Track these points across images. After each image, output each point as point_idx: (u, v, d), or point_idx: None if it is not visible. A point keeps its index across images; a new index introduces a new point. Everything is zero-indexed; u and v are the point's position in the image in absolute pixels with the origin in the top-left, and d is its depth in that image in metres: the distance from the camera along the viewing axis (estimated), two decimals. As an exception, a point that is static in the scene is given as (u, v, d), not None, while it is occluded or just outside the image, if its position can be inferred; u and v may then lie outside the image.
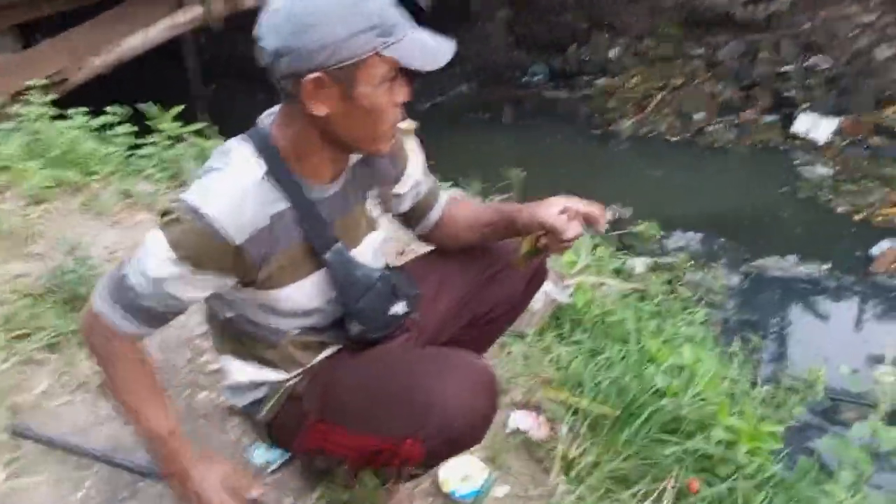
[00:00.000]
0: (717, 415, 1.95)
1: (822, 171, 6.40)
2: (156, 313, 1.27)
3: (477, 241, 1.66)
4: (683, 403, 1.90)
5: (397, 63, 1.18)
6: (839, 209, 5.84)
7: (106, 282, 1.29)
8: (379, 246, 1.53)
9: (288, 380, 1.46)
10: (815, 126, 6.90)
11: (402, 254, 2.59)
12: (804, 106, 7.19)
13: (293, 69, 1.16)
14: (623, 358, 2.24)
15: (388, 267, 1.59)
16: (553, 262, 2.49)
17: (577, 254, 2.58)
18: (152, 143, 3.11)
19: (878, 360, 4.23)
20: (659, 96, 7.79)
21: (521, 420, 2.04)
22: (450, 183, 3.82)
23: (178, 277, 1.22)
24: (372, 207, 1.47)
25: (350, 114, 1.21)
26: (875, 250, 5.24)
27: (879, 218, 5.66)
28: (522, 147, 7.17)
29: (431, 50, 1.21)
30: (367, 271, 1.41)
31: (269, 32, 1.18)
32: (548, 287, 2.31)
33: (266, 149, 1.26)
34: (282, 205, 1.26)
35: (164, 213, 1.23)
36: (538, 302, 2.28)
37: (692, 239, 5.59)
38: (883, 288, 4.91)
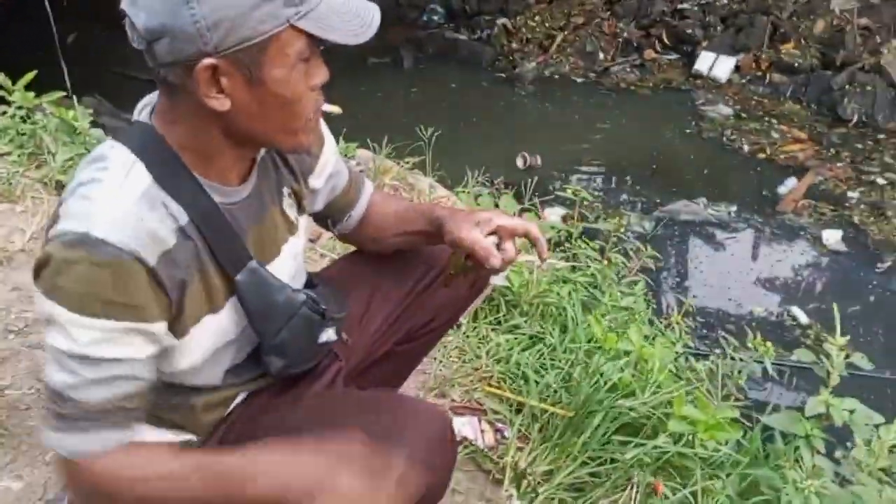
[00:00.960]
0: (673, 406, 1.79)
1: (724, 110, 6.41)
2: (118, 405, 0.97)
3: (406, 246, 1.44)
4: (640, 400, 1.73)
5: (314, 37, 0.96)
6: (743, 148, 5.87)
7: (46, 414, 0.99)
8: (300, 254, 1.27)
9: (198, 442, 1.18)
10: (716, 64, 6.90)
11: (315, 240, 2.29)
12: (704, 45, 7.16)
13: (177, 55, 0.91)
14: (566, 344, 2.05)
15: (311, 281, 1.33)
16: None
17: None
18: (2, 114, 2.63)
19: (791, 301, 4.31)
20: (561, 36, 7.59)
21: (463, 427, 1.83)
22: (356, 143, 3.51)
23: (101, 339, 0.94)
24: (288, 207, 1.20)
25: (260, 105, 0.97)
26: (781, 188, 5.29)
27: (783, 156, 5.72)
28: (426, 94, 6.85)
29: (354, 16, 0.97)
30: (288, 294, 1.14)
31: (140, 4, 0.89)
32: (480, 270, 2.08)
33: (151, 149, 0.98)
34: (184, 217, 0.99)
35: (40, 267, 0.92)
36: (471, 288, 2.06)
37: (603, 185, 5.51)
38: (791, 227, 4.96)
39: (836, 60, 6.57)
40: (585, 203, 2.88)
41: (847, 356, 2.05)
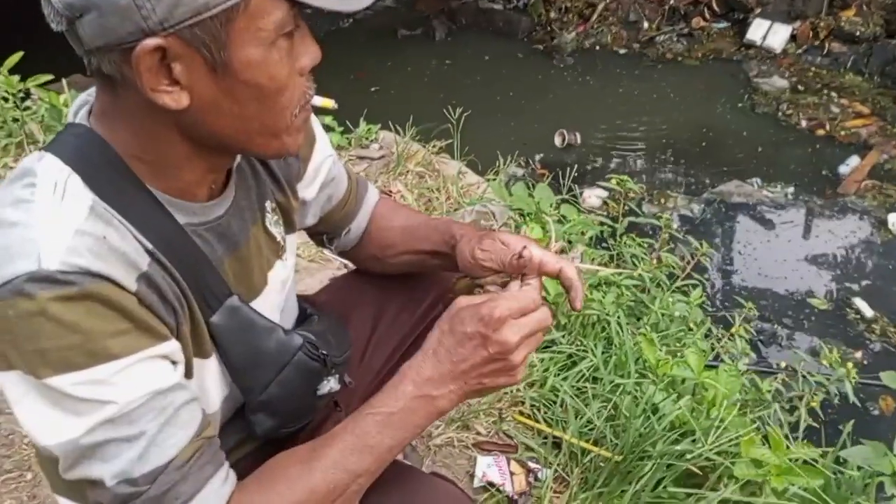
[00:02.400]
0: (742, 447, 1.50)
1: (779, 82, 5.96)
2: (200, 442, 0.77)
3: (415, 268, 1.19)
4: (701, 446, 1.44)
5: (296, 1, 0.73)
6: (801, 124, 5.44)
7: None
8: (290, 281, 1.02)
9: None
10: (770, 33, 6.42)
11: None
12: (757, 11, 6.67)
13: (108, 36, 0.68)
14: (611, 366, 1.76)
15: (304, 312, 1.08)
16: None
17: (545, 228, 2.06)
18: (-9, 100, 2.40)
19: (855, 292, 3.95)
20: (602, 4, 7.15)
21: (488, 469, 1.56)
22: (378, 125, 3.23)
23: (127, 380, 0.72)
24: (272, 224, 0.97)
25: (229, 99, 0.74)
26: (842, 168, 4.88)
27: (844, 132, 5.28)
28: (459, 68, 6.52)
29: None
30: (280, 338, 0.91)
31: None
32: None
33: (90, 158, 0.75)
34: (144, 240, 0.76)
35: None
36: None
37: (648, 165, 5.15)
38: (853, 210, 4.57)
39: (901, 27, 6.06)
40: (632, 189, 2.57)
41: (943, 379, 1.74)
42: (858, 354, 3.46)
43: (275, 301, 0.98)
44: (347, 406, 1.17)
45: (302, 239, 1.22)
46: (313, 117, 1.02)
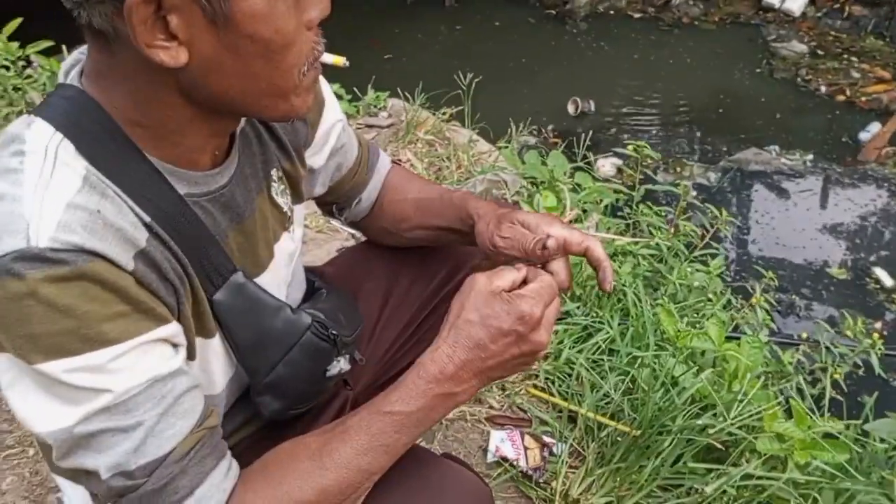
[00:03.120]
0: (765, 421, 1.44)
1: (798, 47, 5.81)
2: (203, 432, 0.73)
3: (429, 242, 1.13)
4: (723, 420, 1.38)
5: None
6: (820, 90, 5.30)
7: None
8: (297, 255, 0.99)
9: None
10: (789, -6, 6.25)
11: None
12: (776, -28, 6.49)
13: None
14: (628, 338, 1.71)
15: (312, 286, 1.03)
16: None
17: (559, 196, 1.99)
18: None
19: (875, 261, 3.86)
20: (616, -33, 6.98)
21: (502, 444, 1.51)
22: (387, 92, 3.15)
23: (124, 367, 0.67)
24: (278, 194, 0.92)
25: (232, 56, 0.68)
26: (863, 135, 4.76)
27: (864, 98, 5.14)
28: (469, 35, 6.39)
29: None
30: (287, 317, 0.87)
31: None
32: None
33: (82, 122, 0.70)
34: (142, 212, 0.71)
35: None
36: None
37: (664, 133, 5.05)
38: (874, 178, 4.46)
39: (925, -11, 5.87)
40: (650, 157, 2.49)
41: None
42: (878, 325, 3.39)
43: (281, 275, 0.93)
44: (356, 383, 1.12)
45: (310, 209, 1.17)
46: (322, 79, 0.95)
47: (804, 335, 2.17)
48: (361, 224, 1.16)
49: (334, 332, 0.92)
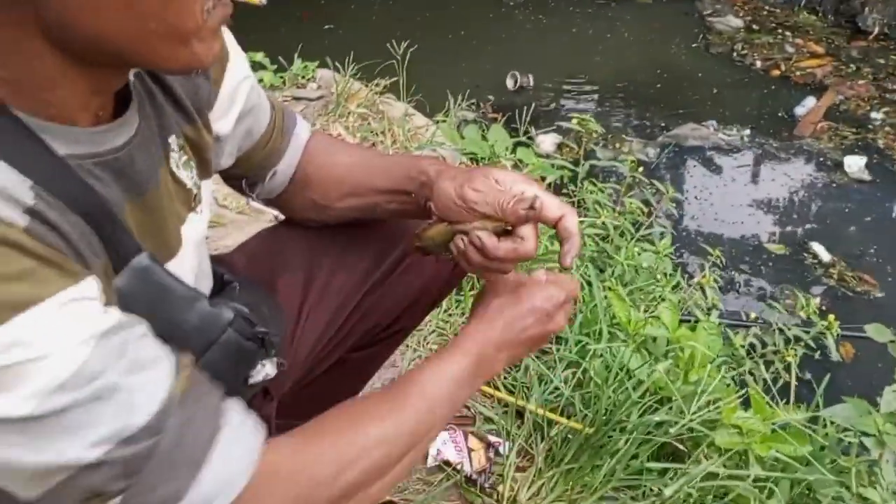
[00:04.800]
0: (723, 414, 1.35)
1: (734, 21, 5.81)
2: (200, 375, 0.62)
3: (363, 215, 0.99)
4: (681, 414, 1.28)
5: None
6: (756, 64, 5.31)
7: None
8: (203, 241, 0.83)
9: None
10: (724, -31, 6.24)
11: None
12: (710, -54, 6.48)
13: None
14: (575, 322, 1.59)
15: (222, 279, 0.87)
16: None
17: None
18: None
19: (812, 236, 3.88)
20: (552, -61, 6.86)
21: (443, 446, 1.38)
22: (316, 63, 2.95)
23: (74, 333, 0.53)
24: (179, 165, 0.76)
25: None
26: (798, 110, 4.78)
27: (799, 73, 5.17)
28: (404, 6, 6.18)
29: None
30: (204, 311, 0.72)
31: None
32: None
33: None
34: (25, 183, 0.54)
35: None
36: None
37: (602, 108, 4.98)
38: (810, 153, 4.48)
39: (856, -36, 5.94)
40: (594, 131, 2.38)
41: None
42: (817, 300, 3.40)
43: (190, 264, 0.77)
44: (278, 392, 0.96)
45: (226, 186, 1.00)
46: (224, 29, 0.78)
47: (752, 315, 2.10)
48: (278, 201, 0.99)
49: (262, 329, 0.77)
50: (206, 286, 0.85)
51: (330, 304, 1.00)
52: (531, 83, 4.97)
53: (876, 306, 3.43)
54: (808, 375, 2.62)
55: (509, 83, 4.96)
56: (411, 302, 1.05)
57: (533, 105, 4.27)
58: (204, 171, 0.80)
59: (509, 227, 0.80)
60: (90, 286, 0.55)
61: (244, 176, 0.94)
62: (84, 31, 0.54)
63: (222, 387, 0.63)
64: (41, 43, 0.54)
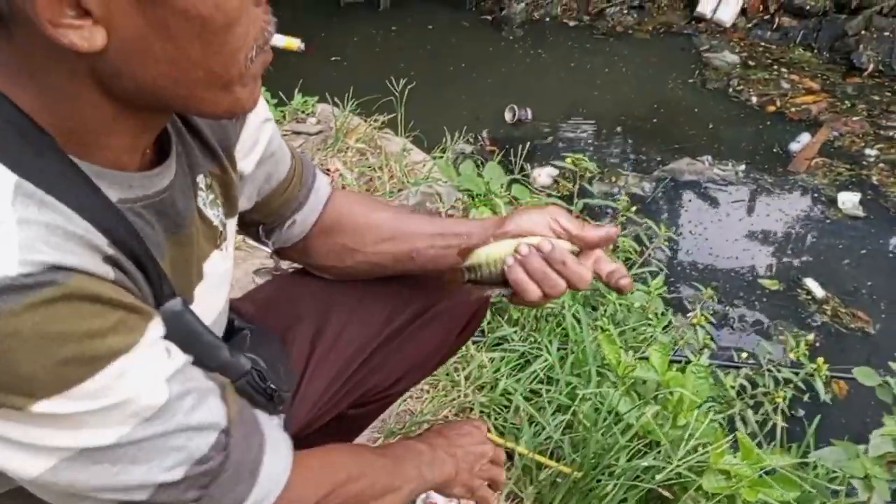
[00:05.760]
0: (711, 458, 1.36)
1: (730, 57, 5.88)
2: (242, 401, 0.71)
3: (396, 259, 0.98)
4: (668, 459, 1.29)
5: None
6: (751, 100, 5.37)
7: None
8: (228, 281, 0.85)
9: None
10: (720, 6, 6.33)
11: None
12: (707, -17, 6.58)
13: None
14: (567, 365, 1.61)
15: (232, 325, 0.90)
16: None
17: (495, 211, 1.88)
18: None
19: (806, 272, 3.89)
20: (551, -27, 6.97)
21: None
22: (315, 97, 2.99)
23: (142, 380, 0.59)
24: (207, 203, 0.78)
25: (160, 36, 0.56)
26: (793, 145, 4.83)
27: (794, 108, 5.23)
28: (405, 39, 6.26)
29: None
30: (224, 359, 0.73)
31: None
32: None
33: (7, 129, 0.56)
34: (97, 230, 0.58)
35: None
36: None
37: (599, 142, 5.02)
38: (804, 188, 4.52)
39: (850, 3, 6.02)
40: (588, 169, 2.41)
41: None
42: (811, 336, 3.40)
43: (213, 301, 0.79)
44: None
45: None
46: None
47: (744, 355, 2.12)
48: (298, 248, 0.99)
49: (273, 385, 0.78)
50: (221, 326, 0.86)
51: (336, 359, 1.01)
52: (529, 116, 5.02)
53: (870, 343, 3.43)
54: (801, 413, 2.64)
55: (508, 116, 5.01)
56: (413, 366, 1.07)
57: (531, 139, 4.32)
58: (230, 208, 0.82)
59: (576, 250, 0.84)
60: (158, 325, 0.61)
61: (262, 222, 0.95)
62: (135, 80, 0.57)
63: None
64: (93, 92, 0.57)
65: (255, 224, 0.95)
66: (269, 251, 1.01)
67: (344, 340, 1.01)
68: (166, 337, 0.65)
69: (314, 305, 1.02)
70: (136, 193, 0.64)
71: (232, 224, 0.84)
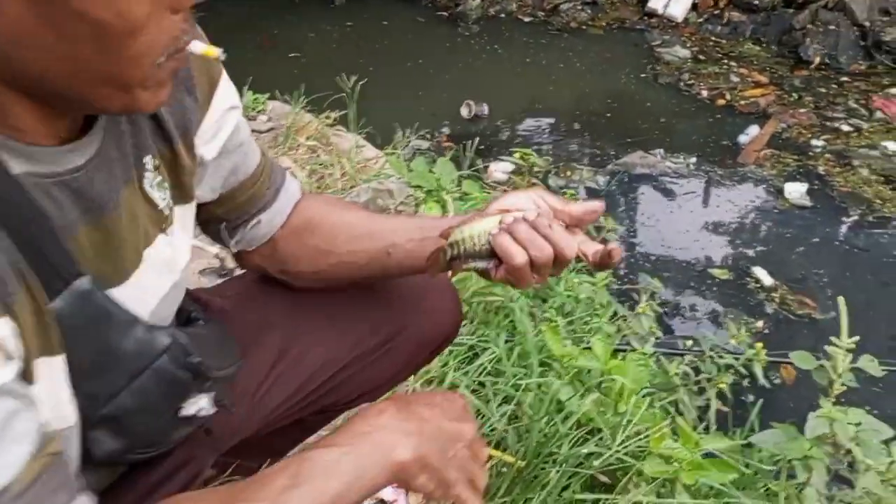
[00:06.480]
0: (651, 443, 1.40)
1: (681, 52, 5.99)
2: (46, 459, 0.58)
3: (371, 258, 0.94)
4: (608, 446, 1.33)
5: None
6: (702, 94, 5.48)
7: None
8: (179, 266, 0.81)
9: None
10: (671, 1, 6.44)
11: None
12: (658, -21, 6.68)
13: None
14: (514, 358, 1.64)
15: (189, 313, 0.87)
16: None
17: (444, 207, 1.91)
18: None
19: (754, 261, 3.99)
20: (506, -31, 7.01)
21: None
22: (266, 95, 2.98)
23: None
24: (153, 185, 0.75)
25: (51, 33, 0.54)
26: (742, 138, 4.94)
27: (743, 101, 5.35)
28: (359, 34, 6.25)
29: None
30: (140, 336, 0.71)
31: None
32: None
33: None
34: None
35: None
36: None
37: (555, 137, 5.08)
38: (753, 180, 4.63)
39: (797, -3, 6.18)
40: (536, 164, 2.44)
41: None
42: (759, 324, 3.49)
43: (153, 286, 0.77)
44: (225, 435, 0.94)
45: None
46: (224, 76, 0.81)
47: (689, 342, 2.17)
48: (263, 251, 0.96)
49: (197, 359, 0.76)
50: (168, 313, 0.83)
51: (299, 375, 1.00)
52: (486, 112, 5.06)
53: (818, 329, 3.53)
54: (750, 399, 2.71)
55: (464, 112, 5.04)
56: (378, 386, 1.07)
57: (488, 134, 4.35)
58: (181, 194, 0.80)
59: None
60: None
61: (225, 219, 0.92)
62: (25, 69, 0.56)
63: (81, 486, 0.61)
64: None
65: (218, 221, 0.92)
66: (232, 251, 0.98)
67: (310, 359, 1.00)
68: (74, 316, 0.63)
69: (284, 314, 1.00)
70: (43, 169, 0.62)
71: (184, 211, 0.81)
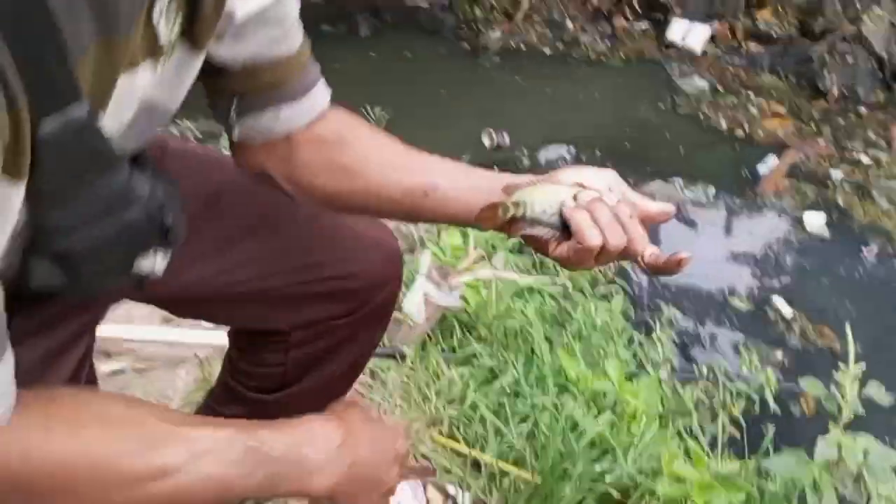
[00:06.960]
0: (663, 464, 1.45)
1: (700, 83, 6.06)
2: None
3: (408, 191, 0.86)
4: (621, 465, 1.39)
5: None
6: (721, 125, 5.54)
7: None
8: (156, 103, 0.72)
9: None
10: (689, 33, 6.53)
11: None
12: (677, 11, 6.78)
13: None
14: (532, 379, 1.70)
15: (137, 157, 0.74)
16: (438, 256, 1.88)
17: (464, 237, 1.99)
18: None
19: (774, 291, 4.01)
20: (527, 3, 7.15)
21: (403, 497, 1.47)
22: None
23: None
24: (161, 16, 0.65)
25: None
26: (761, 168, 4.98)
27: (762, 132, 5.40)
28: (384, 66, 6.39)
29: None
30: (121, 182, 0.66)
31: None
32: (430, 290, 1.71)
33: None
34: None
35: None
36: (419, 313, 1.69)
37: (575, 164, 5.15)
38: (772, 210, 4.66)
39: (814, 29, 6.24)
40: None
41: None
42: (779, 354, 3.50)
43: (121, 117, 0.66)
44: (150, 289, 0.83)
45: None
46: None
47: (705, 369, 2.22)
48: (275, 152, 0.86)
49: (169, 220, 0.71)
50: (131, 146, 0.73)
51: (238, 273, 0.95)
52: (507, 141, 5.13)
53: (837, 360, 3.54)
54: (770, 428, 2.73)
55: (485, 141, 5.13)
56: (312, 321, 1.00)
57: (508, 164, 4.43)
58: (191, 38, 0.70)
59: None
60: None
61: (239, 92, 0.82)
62: None
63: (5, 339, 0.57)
64: None
65: (230, 94, 0.82)
66: (234, 139, 0.87)
67: (241, 274, 0.95)
68: (61, 144, 0.56)
69: (256, 208, 0.94)
70: None
71: (188, 57, 0.72)
